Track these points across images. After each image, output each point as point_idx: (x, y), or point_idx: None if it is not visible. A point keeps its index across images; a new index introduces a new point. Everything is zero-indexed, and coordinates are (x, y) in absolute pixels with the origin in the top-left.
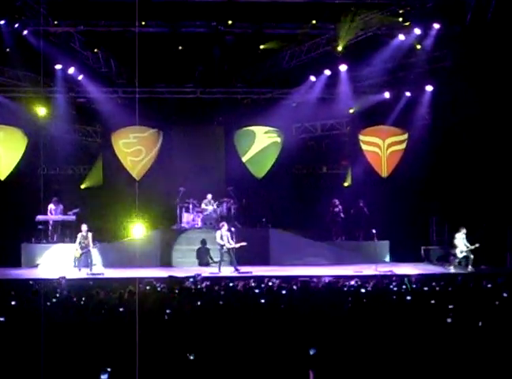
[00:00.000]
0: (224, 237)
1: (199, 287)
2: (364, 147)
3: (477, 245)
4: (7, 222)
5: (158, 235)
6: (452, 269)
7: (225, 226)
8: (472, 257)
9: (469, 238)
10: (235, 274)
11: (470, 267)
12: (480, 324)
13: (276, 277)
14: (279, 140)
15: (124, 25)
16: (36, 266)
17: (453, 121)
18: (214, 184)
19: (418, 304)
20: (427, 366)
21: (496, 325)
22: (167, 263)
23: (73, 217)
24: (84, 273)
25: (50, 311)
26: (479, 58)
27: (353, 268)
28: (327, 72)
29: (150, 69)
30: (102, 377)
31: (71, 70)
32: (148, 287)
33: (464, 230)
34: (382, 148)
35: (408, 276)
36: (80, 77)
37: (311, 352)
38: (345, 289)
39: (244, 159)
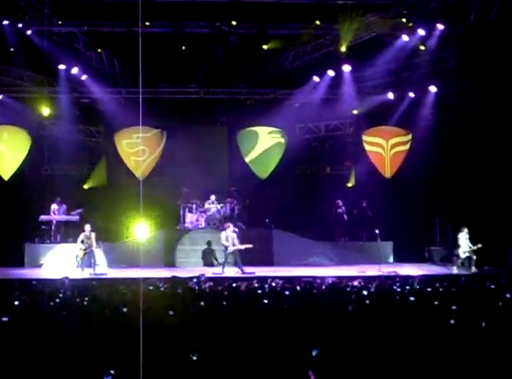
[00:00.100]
0: (229, 238)
1: (202, 287)
2: (368, 147)
3: (480, 245)
4: (11, 222)
5: (161, 235)
6: (455, 270)
7: (231, 227)
8: (474, 257)
9: (472, 239)
10: (239, 274)
11: (473, 267)
12: (484, 324)
13: (280, 278)
14: (282, 140)
15: (128, 25)
16: (40, 266)
17: (456, 122)
18: (217, 184)
19: (421, 305)
20: (430, 367)
21: (499, 326)
22: (170, 263)
23: (77, 217)
24: (87, 273)
25: (53, 311)
26: (482, 59)
27: (356, 269)
28: (331, 72)
29: (154, 70)
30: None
31: (75, 70)
32: (151, 287)
33: (466, 230)
34: (386, 148)
35: (413, 278)
36: (84, 77)
37: (314, 353)
38: (349, 289)
39: (247, 159)
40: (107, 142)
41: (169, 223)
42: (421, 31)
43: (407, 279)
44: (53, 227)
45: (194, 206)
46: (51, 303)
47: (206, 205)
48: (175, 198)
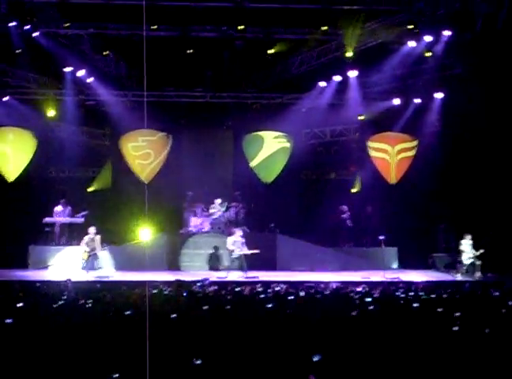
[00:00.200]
0: (235, 243)
1: (206, 291)
2: (373, 153)
3: (482, 250)
4: (15, 224)
5: (165, 239)
6: (459, 277)
7: (238, 232)
8: (478, 262)
9: (476, 245)
10: (242, 279)
11: (478, 273)
12: (487, 331)
13: (283, 282)
14: (288, 145)
15: (134, 29)
16: (47, 268)
17: (462, 129)
18: (222, 188)
19: (425, 311)
20: (434, 373)
21: (503, 333)
22: (174, 267)
23: (82, 219)
24: (91, 276)
25: (56, 313)
26: (489, 66)
27: (360, 275)
28: (337, 78)
29: (160, 73)
30: None
31: (81, 73)
32: (154, 291)
33: (469, 237)
34: (392, 154)
35: (416, 285)
36: (90, 80)
37: (316, 358)
38: (352, 295)
39: (252, 164)
40: (113, 145)
41: (173, 227)
42: (428, 38)
43: (410, 285)
44: (57, 229)
45: (199, 210)
46: (54, 305)
47: (211, 210)
48: (179, 202)
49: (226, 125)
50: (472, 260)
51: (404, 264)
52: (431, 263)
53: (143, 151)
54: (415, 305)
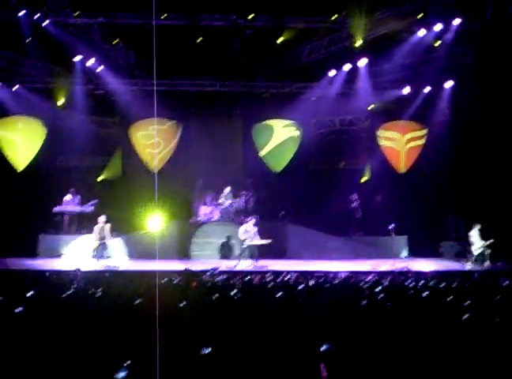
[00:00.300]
0: (247, 232)
1: (216, 280)
2: (383, 142)
3: (492, 240)
4: (25, 213)
5: (175, 228)
6: (469, 266)
7: (252, 220)
8: (488, 252)
9: (486, 234)
10: (252, 268)
11: (487, 262)
12: (497, 320)
13: (293, 271)
14: (297, 134)
15: (143, 17)
16: (60, 256)
17: (473, 118)
18: (232, 177)
19: (434, 300)
20: (443, 362)
21: None
22: (183, 256)
23: (91, 208)
24: (100, 265)
25: (66, 302)
26: (499, 54)
27: (370, 263)
28: (347, 66)
29: (169, 62)
30: (120, 374)
31: (90, 62)
32: (164, 280)
33: (478, 227)
34: (401, 143)
35: (425, 275)
36: (100, 69)
37: (324, 347)
38: (362, 284)
39: (262, 153)
40: (122, 134)
41: (183, 216)
42: (438, 26)
43: (419, 274)
44: (67, 218)
45: (209, 199)
46: (64, 294)
47: (221, 199)
48: (189, 191)
49: (235, 114)
50: (481, 249)
51: (414, 253)
52: (442, 251)
53: (153, 140)
54: (424, 294)
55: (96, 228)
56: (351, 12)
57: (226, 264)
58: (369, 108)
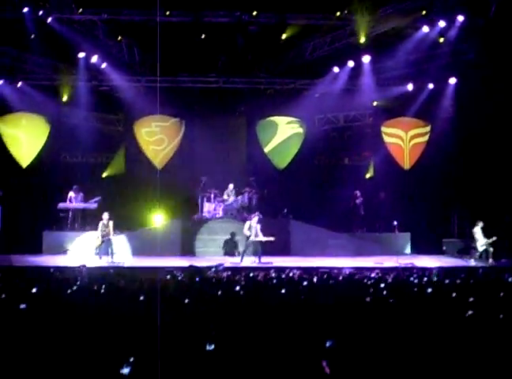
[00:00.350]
0: (252, 228)
1: (220, 276)
2: (386, 139)
3: (495, 238)
4: (29, 209)
5: (179, 225)
6: (472, 262)
7: (256, 217)
8: (491, 249)
9: (490, 231)
10: (256, 264)
11: (491, 260)
12: (501, 317)
13: (297, 268)
14: (301, 130)
15: (147, 14)
16: (65, 252)
17: (476, 114)
18: (235, 174)
19: (438, 297)
20: (447, 359)
21: None
22: (187, 252)
23: (95, 205)
24: (104, 262)
25: (70, 299)
26: (502, 51)
27: (374, 260)
28: (350, 63)
29: (173, 59)
30: (124, 369)
31: (94, 58)
32: (168, 276)
33: (481, 224)
34: (405, 140)
35: (431, 270)
36: (104, 66)
37: (328, 344)
38: (366, 281)
39: (266, 149)
40: (126, 130)
41: (187, 213)
42: (441, 23)
43: (424, 270)
44: (70, 215)
45: (212, 195)
46: (69, 291)
47: (224, 195)
48: (193, 187)
49: (239, 111)
50: (485, 246)
51: (417, 250)
52: (445, 248)
53: (156, 137)
54: (428, 290)
55: (100, 225)
56: (354, 9)
57: (230, 261)
58: (374, 104)
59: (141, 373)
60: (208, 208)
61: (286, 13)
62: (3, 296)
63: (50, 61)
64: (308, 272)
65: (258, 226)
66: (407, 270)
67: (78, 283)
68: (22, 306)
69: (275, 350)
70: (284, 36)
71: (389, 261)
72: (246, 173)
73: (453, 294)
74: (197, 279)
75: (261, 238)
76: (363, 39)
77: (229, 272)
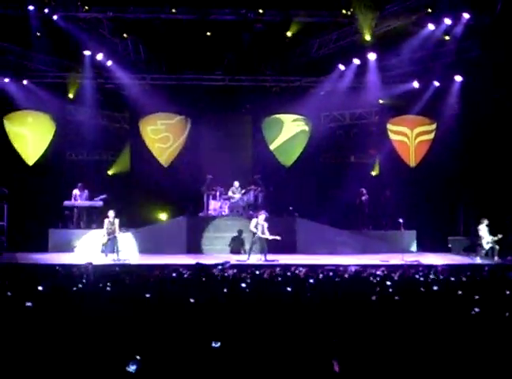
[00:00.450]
0: (258, 226)
1: (226, 274)
2: (392, 136)
3: (500, 236)
4: (35, 207)
5: (185, 222)
6: (478, 260)
7: (263, 215)
8: (497, 247)
9: (496, 229)
10: (262, 262)
11: (496, 257)
12: (507, 314)
13: (303, 266)
14: (307, 128)
15: (153, 12)
16: (73, 249)
17: (482, 112)
18: (241, 172)
19: (444, 294)
20: (453, 357)
21: None
22: (193, 250)
23: (101, 203)
24: (110, 259)
25: (76, 296)
26: (508, 49)
27: (380, 258)
28: (356, 61)
29: (179, 56)
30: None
31: (100, 56)
32: (174, 274)
33: (486, 222)
34: (411, 137)
35: (435, 268)
36: (109, 63)
37: (335, 342)
38: (372, 278)
39: (272, 147)
40: (132, 128)
41: (192, 210)
42: (447, 21)
43: (430, 268)
44: (75, 213)
45: (218, 193)
46: (74, 288)
47: (230, 193)
48: (199, 185)
49: (245, 109)
50: (491, 244)
51: (423, 247)
52: (451, 245)
53: (162, 135)
54: (434, 288)
55: (106, 222)
56: (359, 6)
57: (236, 259)
58: (380, 102)
59: (147, 370)
60: (213, 205)
61: (292, 11)
62: (9, 294)
63: (55, 59)
64: (314, 269)
65: (265, 224)
66: (413, 268)
67: (84, 280)
68: (28, 304)
69: (280, 347)
70: (289, 34)
71: (394, 259)
72: (252, 170)
73: (459, 292)
74: (203, 276)
75: (267, 236)
76: (368, 37)
77: (235, 270)
